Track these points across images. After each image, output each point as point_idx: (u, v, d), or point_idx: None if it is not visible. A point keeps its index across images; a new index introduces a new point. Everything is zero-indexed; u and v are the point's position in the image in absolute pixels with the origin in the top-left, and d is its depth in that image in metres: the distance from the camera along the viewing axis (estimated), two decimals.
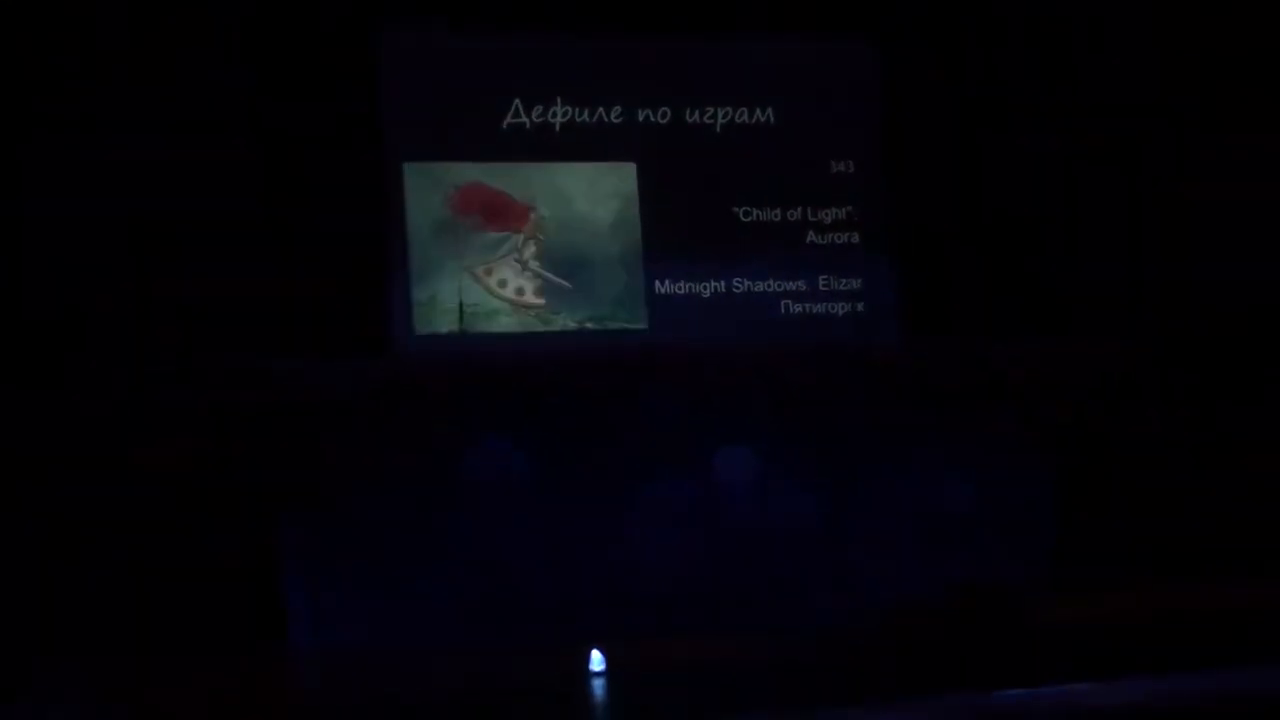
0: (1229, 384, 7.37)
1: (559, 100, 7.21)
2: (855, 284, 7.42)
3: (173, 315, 6.51)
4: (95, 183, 6.42)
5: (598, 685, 5.16)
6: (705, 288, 7.28)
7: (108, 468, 6.29)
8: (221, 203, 6.58)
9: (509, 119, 7.16)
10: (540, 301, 7.12)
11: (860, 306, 7.42)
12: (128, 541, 6.24)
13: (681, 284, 7.26)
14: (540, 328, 7.09)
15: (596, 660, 5.48)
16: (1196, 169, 7.40)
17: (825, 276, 7.39)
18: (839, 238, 7.43)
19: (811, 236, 7.40)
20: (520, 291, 7.09)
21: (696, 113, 7.34)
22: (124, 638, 5.93)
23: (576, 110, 7.22)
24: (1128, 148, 7.45)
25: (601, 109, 7.26)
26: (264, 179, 6.67)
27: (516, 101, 7.16)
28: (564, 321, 7.12)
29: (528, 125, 7.18)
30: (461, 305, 6.99)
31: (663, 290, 7.24)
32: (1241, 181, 7.33)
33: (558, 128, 7.21)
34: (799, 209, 7.40)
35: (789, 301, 7.35)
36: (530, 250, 7.13)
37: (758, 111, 7.42)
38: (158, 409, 6.40)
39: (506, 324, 7.07)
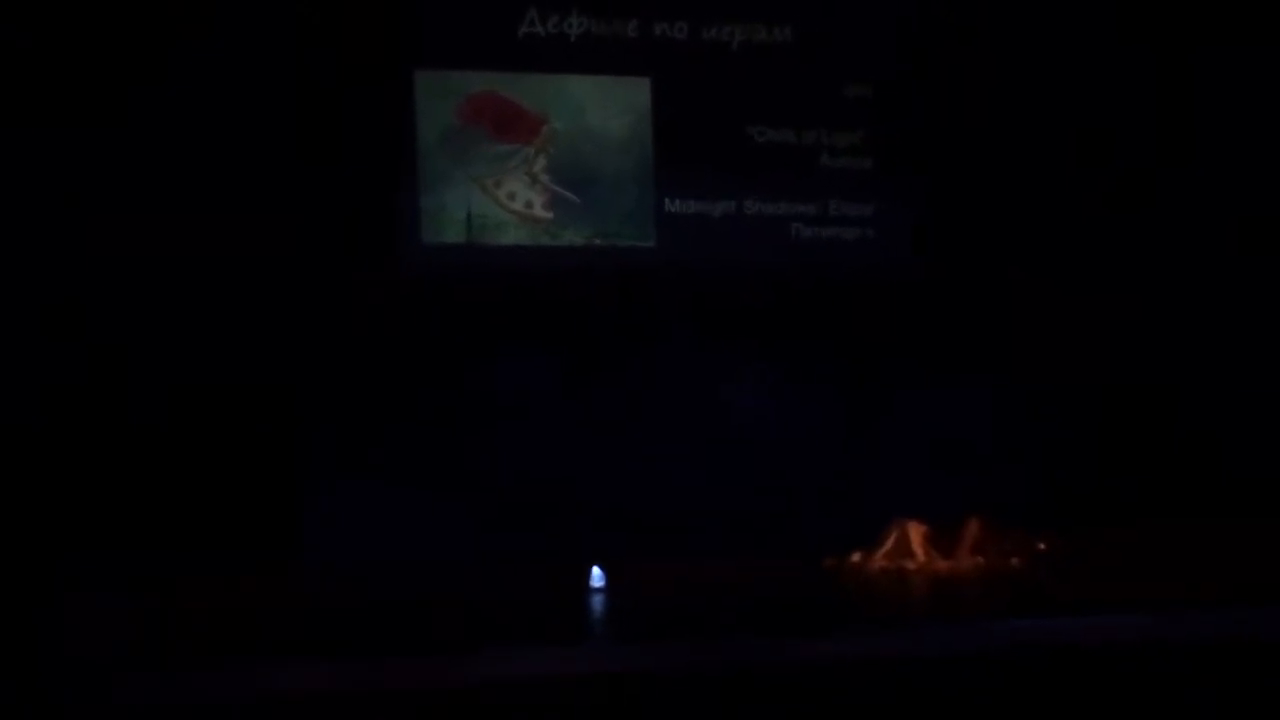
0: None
1: (575, 10, 7.09)
2: (866, 210, 7.36)
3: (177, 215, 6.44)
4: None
5: (597, 601, 5.19)
6: (715, 207, 7.22)
7: (126, 369, 6.31)
8: (226, 103, 6.50)
9: (524, 28, 7.04)
10: (549, 215, 7.06)
11: (870, 232, 7.36)
12: (141, 447, 6.25)
13: (692, 203, 7.19)
14: (548, 241, 7.04)
15: (597, 576, 5.51)
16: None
17: (836, 201, 7.33)
18: (852, 162, 7.35)
19: (825, 159, 7.32)
20: (529, 204, 7.03)
21: (714, 29, 7.22)
22: (139, 543, 5.94)
23: (593, 21, 7.10)
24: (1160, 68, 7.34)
25: (618, 21, 7.13)
26: (270, 82, 6.58)
27: (532, 10, 7.04)
28: (572, 236, 7.06)
29: (542, 34, 7.06)
30: (470, 216, 6.93)
31: (672, 208, 7.17)
32: None
33: (573, 38, 7.09)
34: (813, 131, 7.31)
35: (799, 225, 7.28)
36: (540, 163, 7.06)
37: (775, 30, 7.29)
38: (165, 314, 6.38)
39: (515, 236, 7.01)
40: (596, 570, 5.55)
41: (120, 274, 6.34)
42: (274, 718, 3.47)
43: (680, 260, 7.12)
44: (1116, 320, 7.25)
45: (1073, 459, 6.97)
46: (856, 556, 6.16)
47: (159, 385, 6.34)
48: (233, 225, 6.44)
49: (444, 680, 3.64)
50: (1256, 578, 4.82)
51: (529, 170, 7.04)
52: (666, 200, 7.17)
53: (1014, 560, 6.06)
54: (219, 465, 6.32)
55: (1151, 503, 6.80)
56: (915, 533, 6.23)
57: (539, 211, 7.05)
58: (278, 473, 6.40)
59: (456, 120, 6.96)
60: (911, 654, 3.89)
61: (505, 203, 7.01)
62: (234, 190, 6.49)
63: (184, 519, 6.11)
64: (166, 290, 6.40)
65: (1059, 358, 7.16)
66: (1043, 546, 6.23)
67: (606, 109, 7.13)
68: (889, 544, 6.22)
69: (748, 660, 3.82)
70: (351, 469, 6.47)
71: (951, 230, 7.31)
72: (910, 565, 6.08)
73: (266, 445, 6.41)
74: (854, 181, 7.34)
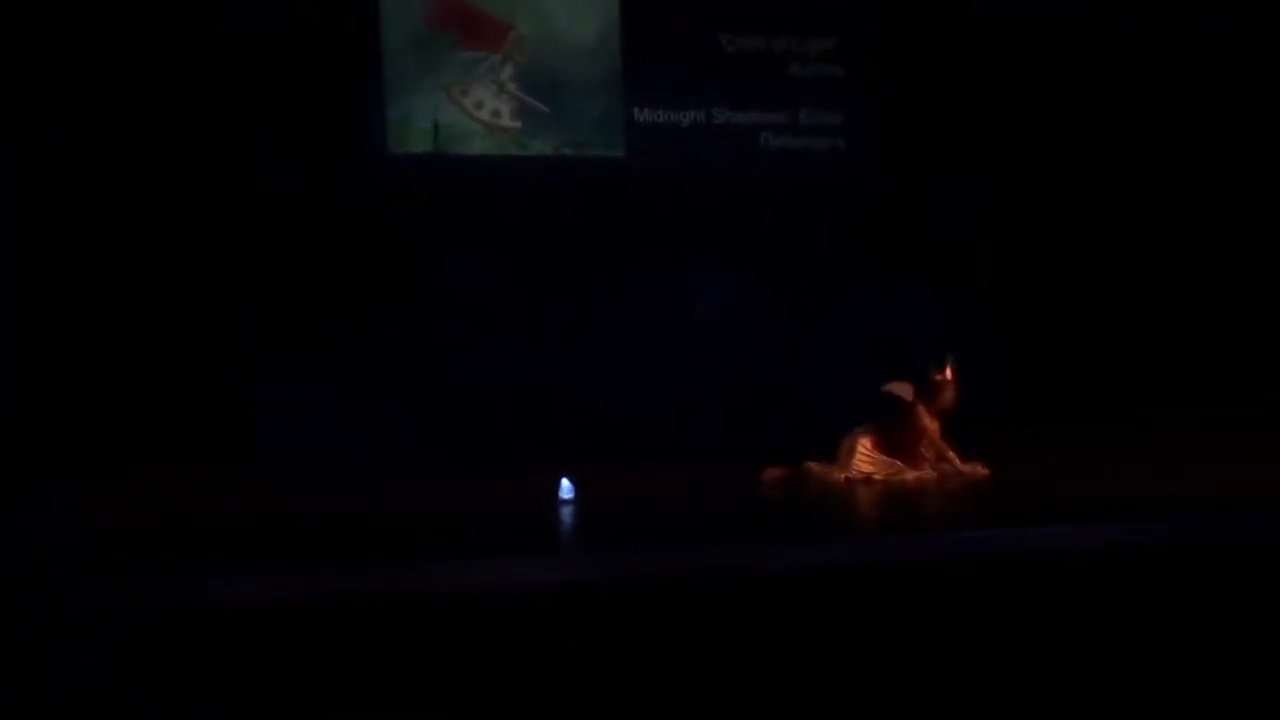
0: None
1: None
2: (836, 119, 7.31)
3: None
4: None
5: (566, 512, 5.19)
6: (684, 116, 7.16)
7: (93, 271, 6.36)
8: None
9: None
10: (516, 124, 6.99)
11: (840, 142, 7.32)
12: (105, 342, 6.33)
13: (661, 112, 7.13)
14: (516, 151, 6.98)
15: (566, 488, 5.51)
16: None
17: (806, 110, 7.28)
18: (823, 70, 7.29)
19: (795, 68, 7.26)
20: (496, 114, 6.96)
21: None
22: (98, 438, 5.97)
23: None
24: None
25: None
26: None
27: None
28: (540, 146, 7.00)
29: None
30: (436, 125, 6.85)
31: (641, 118, 7.12)
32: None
33: None
34: (784, 38, 7.24)
35: (769, 134, 7.25)
36: (508, 71, 6.97)
37: None
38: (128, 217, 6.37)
39: (482, 146, 6.96)
40: (565, 482, 5.53)
41: (85, 178, 6.34)
42: (243, 626, 3.48)
43: (649, 169, 7.08)
44: (1072, 227, 7.30)
45: (1020, 363, 7.09)
46: (810, 466, 6.15)
47: (119, 289, 6.36)
48: (195, 129, 6.43)
49: (418, 589, 3.64)
50: (1209, 480, 4.87)
51: (496, 78, 6.96)
52: (635, 109, 7.11)
53: (978, 469, 6.06)
54: (179, 371, 6.40)
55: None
56: (867, 441, 6.20)
57: (506, 121, 6.98)
58: (235, 381, 6.48)
59: (423, 26, 6.86)
60: (888, 561, 3.91)
61: (472, 112, 6.94)
62: (196, 94, 6.43)
63: (142, 418, 6.20)
64: (126, 192, 6.40)
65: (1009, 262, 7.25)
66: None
67: (575, 15, 7.04)
68: (843, 454, 6.19)
69: (727, 568, 3.83)
70: (309, 377, 6.51)
71: (915, 139, 7.30)
72: (877, 476, 6.06)
73: (227, 356, 6.49)
74: (824, 89, 7.30)
